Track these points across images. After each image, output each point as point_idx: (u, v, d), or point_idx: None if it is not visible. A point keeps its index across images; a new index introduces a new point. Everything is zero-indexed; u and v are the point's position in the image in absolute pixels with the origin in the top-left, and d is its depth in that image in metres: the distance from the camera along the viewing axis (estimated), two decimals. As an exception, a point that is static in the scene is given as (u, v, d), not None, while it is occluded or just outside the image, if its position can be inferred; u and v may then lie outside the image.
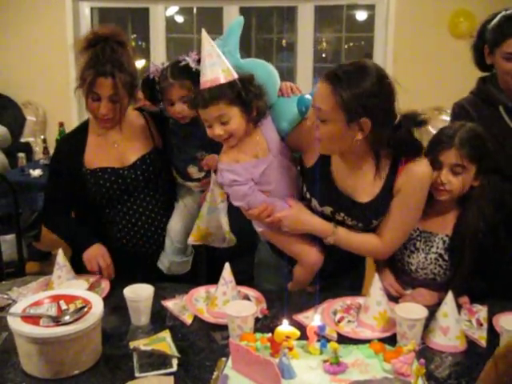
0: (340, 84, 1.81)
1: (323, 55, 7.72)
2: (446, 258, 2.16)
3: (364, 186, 2.03)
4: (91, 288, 2.11)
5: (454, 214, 2.18)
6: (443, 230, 2.18)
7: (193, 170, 2.38)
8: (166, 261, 2.46)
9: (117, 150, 2.38)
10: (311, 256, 2.17)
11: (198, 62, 2.20)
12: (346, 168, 2.05)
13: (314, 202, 2.12)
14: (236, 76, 2.04)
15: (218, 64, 2.01)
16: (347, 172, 2.05)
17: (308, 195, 2.14)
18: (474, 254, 2.09)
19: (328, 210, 2.11)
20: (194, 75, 2.19)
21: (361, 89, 1.80)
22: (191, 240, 2.37)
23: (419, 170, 1.99)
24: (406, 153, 1.98)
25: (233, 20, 2.25)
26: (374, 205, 2.04)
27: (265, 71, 2.17)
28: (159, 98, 2.36)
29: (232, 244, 2.39)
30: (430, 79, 6.01)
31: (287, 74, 7.35)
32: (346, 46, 7.26)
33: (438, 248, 2.17)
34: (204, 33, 2.05)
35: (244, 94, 2.02)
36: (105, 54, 2.19)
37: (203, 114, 2.05)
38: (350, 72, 1.83)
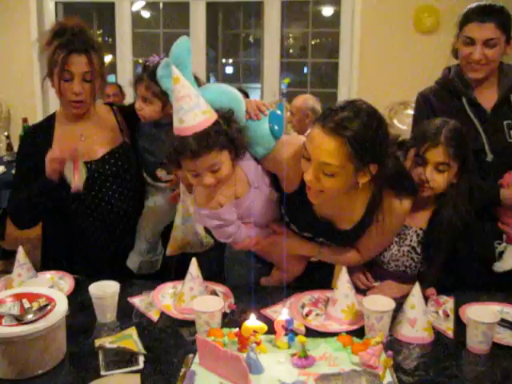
0: (347, 136, 1.70)
1: (290, 51, 7.73)
2: (419, 250, 2.18)
3: (345, 214, 2.02)
4: None
5: (428, 208, 2.19)
6: (417, 224, 2.20)
7: (161, 173, 2.36)
8: (136, 260, 2.43)
9: (84, 143, 2.32)
10: (295, 266, 2.19)
11: None
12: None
13: (293, 227, 2.13)
14: (215, 115, 1.86)
15: (197, 106, 1.79)
16: (328, 201, 1.99)
17: (287, 219, 2.12)
18: (448, 249, 2.12)
19: (307, 234, 2.13)
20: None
21: (368, 137, 1.72)
22: (170, 252, 2.35)
23: (403, 207, 2.01)
24: (401, 188, 1.97)
25: (179, 40, 1.96)
26: (354, 231, 2.06)
27: (227, 97, 1.97)
28: None
29: (210, 246, 2.37)
30: (396, 74, 6.06)
31: (254, 70, 7.35)
32: (312, 42, 7.28)
33: (411, 241, 2.19)
34: (175, 70, 1.80)
35: (230, 133, 1.86)
36: (75, 36, 2.16)
37: (190, 165, 1.87)
38: (351, 120, 1.72)
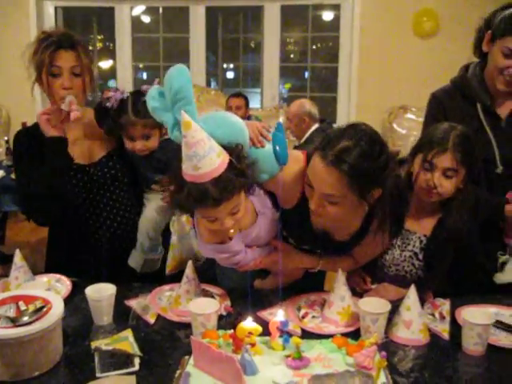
0: (346, 170, 1.70)
1: (291, 55, 7.75)
2: (421, 257, 2.18)
3: (342, 227, 2.01)
4: None
5: (433, 215, 2.18)
6: (421, 230, 2.19)
7: (156, 187, 2.36)
8: (139, 258, 2.42)
9: (80, 147, 2.32)
10: (294, 273, 2.18)
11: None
12: None
13: (291, 241, 2.12)
14: (227, 155, 1.73)
15: (212, 149, 1.66)
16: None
17: (284, 233, 2.11)
18: (450, 257, 2.12)
19: (305, 247, 2.13)
20: None
21: (368, 167, 1.72)
22: (169, 271, 2.35)
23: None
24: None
25: (176, 70, 1.77)
26: (351, 242, 2.07)
27: (229, 129, 1.84)
28: (111, 127, 2.26)
29: (203, 260, 2.36)
30: (395, 78, 6.08)
31: (254, 75, 7.37)
32: (313, 47, 7.29)
33: (414, 246, 2.18)
34: (185, 115, 1.64)
35: (244, 171, 1.75)
36: (61, 36, 2.17)
37: (209, 212, 1.75)
38: (350, 151, 1.71)
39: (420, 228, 2.19)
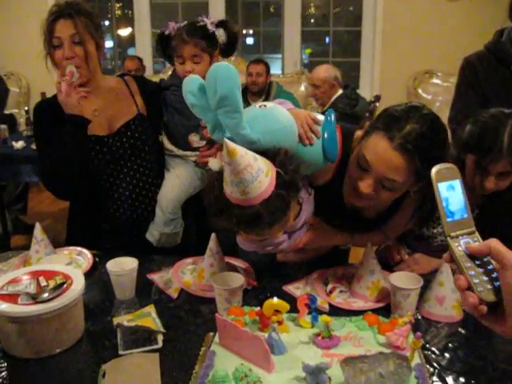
0: (418, 153, 1.59)
1: (312, 20, 7.60)
2: None
3: (373, 206, 1.95)
4: None
5: None
6: (472, 200, 2.09)
7: (194, 139, 2.31)
8: (156, 232, 2.40)
9: (98, 117, 2.27)
10: (321, 249, 2.13)
11: (216, 25, 2.28)
12: None
13: (321, 216, 2.05)
14: (274, 167, 1.56)
15: (260, 170, 1.49)
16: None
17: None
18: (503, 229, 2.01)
19: (333, 222, 2.05)
20: (209, 36, 2.25)
21: (436, 153, 1.61)
22: None
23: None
24: None
25: (221, 70, 1.55)
26: (380, 219, 2.01)
27: (279, 132, 1.68)
28: (171, 56, 2.39)
29: None
30: (421, 42, 5.92)
31: (275, 40, 7.26)
32: (334, 10, 7.13)
33: None
34: (229, 143, 1.45)
35: (292, 180, 1.59)
36: (62, 6, 2.15)
37: (258, 233, 1.65)
38: (421, 134, 1.60)
39: (470, 196, 2.09)
